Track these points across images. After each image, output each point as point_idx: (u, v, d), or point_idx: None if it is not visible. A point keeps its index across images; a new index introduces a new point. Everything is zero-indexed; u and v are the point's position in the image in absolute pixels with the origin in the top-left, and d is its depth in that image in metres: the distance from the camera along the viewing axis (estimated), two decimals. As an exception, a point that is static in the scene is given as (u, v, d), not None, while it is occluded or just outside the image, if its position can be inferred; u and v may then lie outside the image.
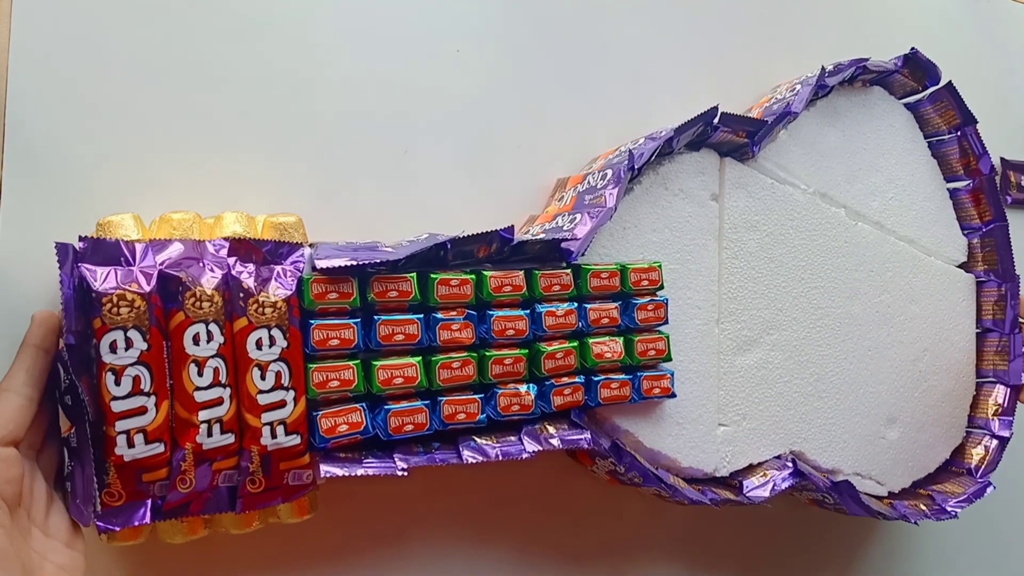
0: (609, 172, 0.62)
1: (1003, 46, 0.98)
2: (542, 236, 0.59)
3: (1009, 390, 0.78)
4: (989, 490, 0.74)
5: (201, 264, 0.47)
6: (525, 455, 0.54)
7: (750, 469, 0.68)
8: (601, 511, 0.72)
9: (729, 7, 0.81)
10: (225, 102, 0.60)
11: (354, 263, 0.49)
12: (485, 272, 0.55)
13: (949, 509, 0.72)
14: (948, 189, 0.82)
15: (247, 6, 0.61)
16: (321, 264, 0.49)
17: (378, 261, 0.50)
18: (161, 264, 0.46)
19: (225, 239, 0.48)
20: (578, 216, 0.60)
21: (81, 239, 0.44)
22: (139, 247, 0.46)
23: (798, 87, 0.72)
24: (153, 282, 0.44)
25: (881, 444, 0.74)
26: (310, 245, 0.52)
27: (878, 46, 0.77)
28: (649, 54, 0.77)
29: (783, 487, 0.65)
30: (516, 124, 0.70)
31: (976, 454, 0.78)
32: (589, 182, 0.63)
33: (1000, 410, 0.79)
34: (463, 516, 0.67)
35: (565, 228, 0.60)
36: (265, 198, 0.61)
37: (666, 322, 0.62)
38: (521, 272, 0.56)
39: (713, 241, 0.67)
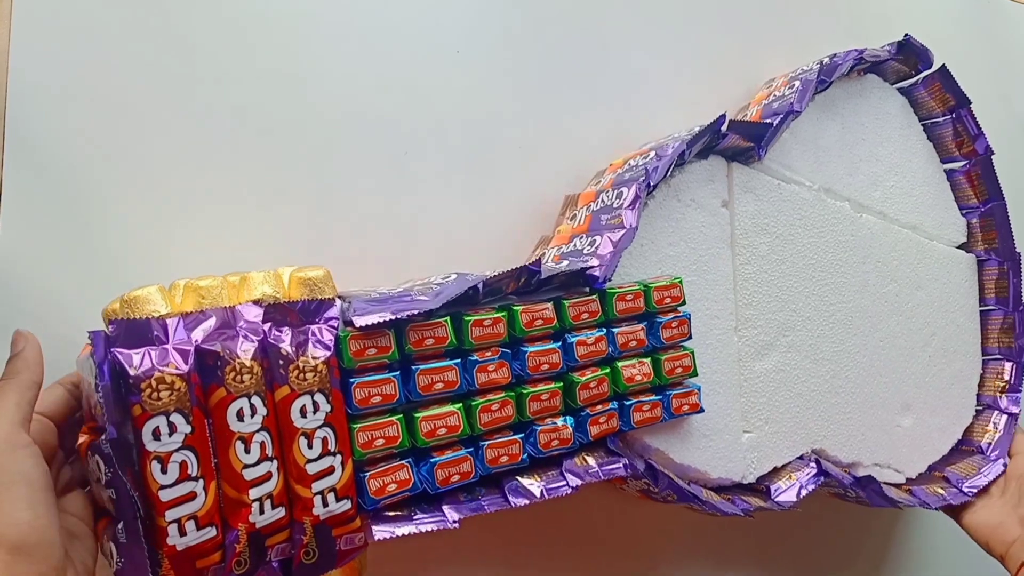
0: (624, 190, 0.61)
1: (1003, 46, 0.99)
2: (566, 265, 0.58)
3: (1015, 366, 0.80)
4: (1000, 467, 0.76)
5: (236, 333, 0.45)
6: (568, 491, 0.54)
7: (775, 472, 0.68)
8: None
9: (729, 5, 0.81)
10: (224, 101, 0.60)
11: (392, 317, 0.48)
12: (515, 308, 0.54)
13: (965, 490, 0.74)
14: (944, 170, 0.83)
15: (246, 5, 0.61)
16: (360, 322, 0.47)
17: (415, 312, 0.49)
18: (196, 339, 0.44)
19: (256, 302, 0.47)
20: (597, 239, 0.60)
21: (111, 323, 0.42)
22: (171, 323, 0.44)
23: (796, 83, 0.72)
24: (191, 360, 0.43)
25: (897, 432, 0.76)
26: (340, 297, 0.51)
27: (877, 46, 0.77)
28: (649, 53, 0.76)
29: (810, 489, 0.66)
30: (516, 125, 0.70)
31: (985, 433, 0.79)
32: (603, 200, 0.63)
33: (1007, 387, 0.80)
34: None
35: (585, 251, 0.60)
36: (265, 199, 0.61)
37: (690, 337, 0.62)
38: (550, 303, 0.56)
39: (726, 248, 0.67)
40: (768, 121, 0.67)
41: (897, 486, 0.75)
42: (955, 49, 0.92)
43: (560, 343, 0.56)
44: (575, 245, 0.61)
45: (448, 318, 0.51)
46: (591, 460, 0.57)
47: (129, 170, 0.57)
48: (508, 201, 0.69)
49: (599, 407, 0.57)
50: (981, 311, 0.83)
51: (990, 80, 0.97)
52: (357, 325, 0.48)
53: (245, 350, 0.45)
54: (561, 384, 0.56)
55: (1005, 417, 0.79)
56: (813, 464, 0.68)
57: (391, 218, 0.65)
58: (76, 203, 0.55)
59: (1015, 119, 0.99)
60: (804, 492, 0.66)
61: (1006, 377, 0.80)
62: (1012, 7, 1.01)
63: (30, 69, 0.54)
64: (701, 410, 0.62)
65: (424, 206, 0.66)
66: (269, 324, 0.46)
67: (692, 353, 0.62)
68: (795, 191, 0.71)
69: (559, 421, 0.55)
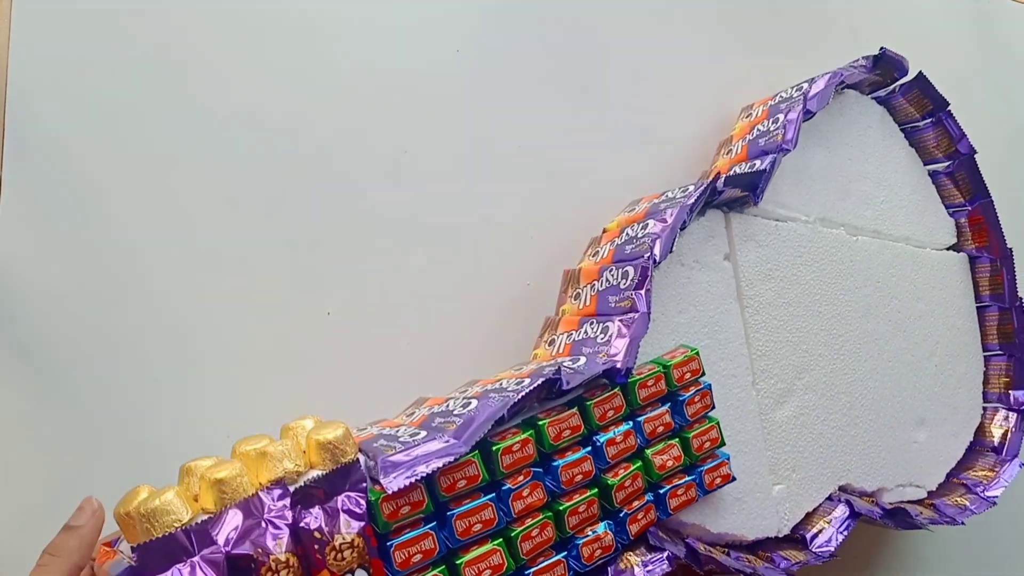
0: (630, 270, 0.58)
1: (1003, 46, 0.98)
2: (584, 363, 0.55)
3: (1017, 361, 0.80)
4: (1017, 468, 0.76)
5: (264, 526, 0.42)
6: (621, 602, 0.53)
7: (807, 518, 0.68)
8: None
9: (731, 7, 0.80)
10: (223, 100, 0.60)
11: (424, 473, 0.45)
12: (541, 423, 0.52)
13: (989, 497, 0.74)
14: (929, 172, 0.82)
15: (246, 5, 0.61)
16: (392, 486, 0.45)
17: (445, 462, 0.46)
18: (225, 545, 0.41)
19: (278, 481, 0.44)
20: (609, 325, 0.57)
21: (134, 551, 0.39)
22: (195, 532, 0.41)
23: (780, 117, 0.70)
24: (223, 571, 0.40)
25: (914, 448, 0.75)
26: (361, 451, 0.48)
27: (877, 47, 0.75)
28: (649, 54, 0.76)
29: (845, 535, 0.65)
30: (516, 124, 0.70)
31: (996, 431, 0.80)
32: (607, 279, 0.60)
33: (1012, 382, 0.80)
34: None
35: (599, 339, 0.58)
36: (265, 199, 0.61)
37: (713, 407, 0.60)
38: (575, 410, 0.54)
39: (734, 303, 0.65)
40: (762, 168, 0.65)
41: (919, 501, 0.75)
42: (955, 49, 0.94)
43: (590, 447, 0.54)
44: (586, 332, 0.59)
45: (477, 453, 0.49)
46: (634, 559, 0.55)
47: (129, 170, 0.57)
48: (509, 201, 0.69)
49: (635, 503, 0.56)
50: (977, 308, 0.83)
51: (990, 80, 0.97)
52: (389, 490, 0.45)
53: (277, 543, 0.42)
54: (596, 490, 0.54)
55: (1016, 415, 0.79)
56: (844, 505, 0.67)
57: (391, 217, 0.65)
58: (76, 203, 0.55)
59: (1014, 119, 0.98)
60: (841, 539, 0.65)
61: (1009, 373, 0.81)
62: (1012, 7, 1.00)
63: (30, 69, 0.55)
64: (733, 479, 0.61)
65: (424, 206, 0.66)
66: (297, 507, 0.44)
67: (718, 424, 0.60)
68: (792, 228, 0.69)
69: (599, 528, 0.54)
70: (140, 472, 0.54)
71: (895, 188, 0.78)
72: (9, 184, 0.54)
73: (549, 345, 0.61)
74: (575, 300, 0.63)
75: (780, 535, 0.66)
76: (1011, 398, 0.80)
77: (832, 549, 0.65)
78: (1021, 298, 0.80)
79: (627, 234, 0.62)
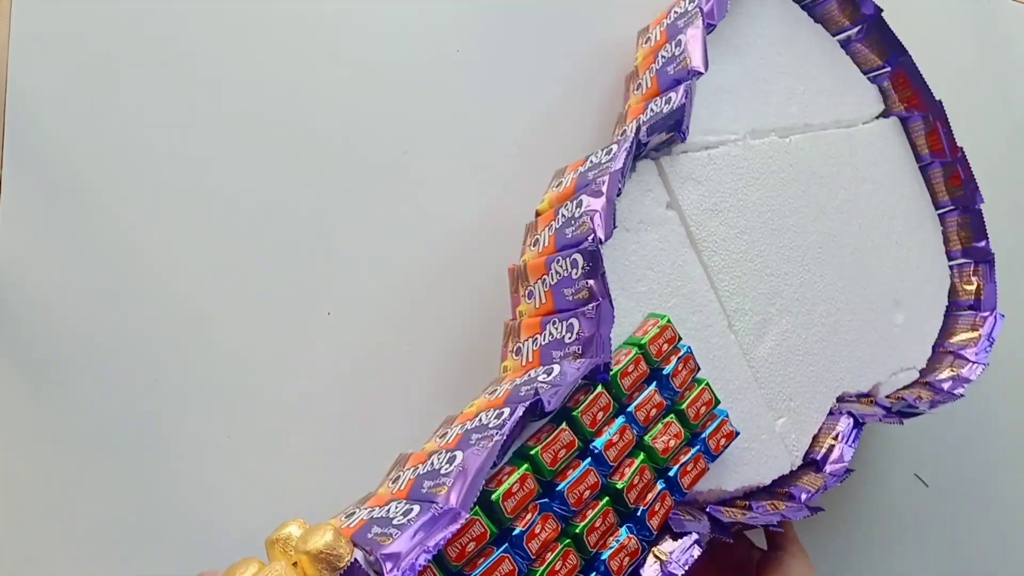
0: (579, 258, 0.54)
1: (1003, 46, 0.97)
2: (558, 374, 0.52)
3: (972, 214, 0.79)
4: (997, 320, 0.76)
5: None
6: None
7: (814, 441, 0.66)
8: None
9: None
10: (222, 101, 0.60)
11: (428, 557, 0.41)
12: (534, 451, 0.49)
13: (976, 359, 0.73)
14: (839, 42, 0.78)
15: (246, 5, 0.62)
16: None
17: (448, 533, 0.43)
18: None
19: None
20: (575, 323, 0.54)
21: None
22: None
23: (681, 37, 0.65)
24: None
25: (896, 332, 0.74)
26: (354, 545, 0.44)
27: None
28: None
29: (855, 447, 0.64)
30: (516, 124, 0.70)
31: (968, 288, 0.79)
32: (556, 271, 0.56)
33: (973, 236, 0.79)
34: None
35: (567, 340, 0.54)
36: (265, 198, 0.61)
37: (699, 369, 0.58)
38: (564, 425, 0.50)
39: (689, 251, 0.62)
40: (680, 103, 0.60)
41: (914, 384, 0.74)
42: (955, 49, 0.93)
43: (589, 458, 0.51)
44: (551, 333, 0.55)
45: (478, 509, 0.46)
46: (664, 553, 0.53)
47: (129, 170, 0.57)
48: (509, 201, 0.68)
49: (649, 496, 0.53)
50: (921, 168, 0.81)
51: (990, 80, 0.95)
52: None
53: None
54: (607, 499, 0.51)
55: (983, 266, 0.78)
56: (846, 417, 0.66)
57: (391, 217, 0.65)
58: (76, 203, 0.56)
59: (1014, 119, 0.96)
60: (852, 452, 0.64)
61: (967, 226, 0.79)
62: (1012, 7, 0.99)
63: (30, 69, 0.55)
64: (737, 434, 0.58)
65: (424, 206, 0.66)
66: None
67: (707, 384, 0.58)
68: (725, 152, 0.65)
69: (620, 536, 0.51)
70: (140, 472, 0.55)
71: (812, 73, 0.74)
72: (9, 184, 0.54)
73: (516, 355, 0.57)
74: (529, 299, 0.58)
75: (794, 468, 0.64)
76: (975, 250, 0.79)
77: (847, 464, 0.63)
78: (961, 148, 0.78)
79: (563, 215, 0.58)
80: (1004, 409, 0.90)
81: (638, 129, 0.58)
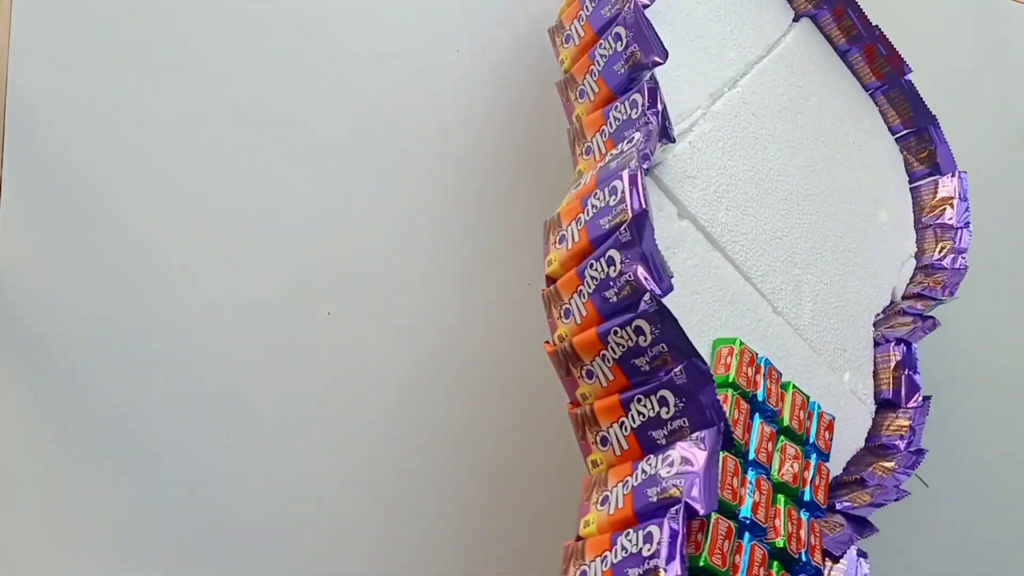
0: (645, 327, 0.48)
1: (1003, 46, 0.94)
2: (703, 456, 0.46)
3: (903, 87, 0.77)
4: (966, 178, 0.76)
5: None
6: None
7: (876, 380, 0.65)
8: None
9: None
10: (223, 100, 0.60)
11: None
12: (702, 561, 0.44)
13: (958, 223, 0.74)
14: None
15: (246, 6, 0.62)
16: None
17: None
18: None
19: None
20: (667, 396, 0.48)
21: None
22: None
23: (620, 30, 0.58)
24: None
25: (887, 232, 0.74)
26: None
27: None
28: None
29: (917, 369, 0.64)
30: (516, 124, 0.69)
31: (922, 157, 0.79)
32: (615, 344, 0.50)
33: (907, 107, 0.78)
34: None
35: (663, 415, 0.49)
36: (264, 198, 0.61)
37: (780, 375, 0.54)
38: (714, 516, 0.46)
39: (714, 253, 0.58)
40: (657, 109, 0.54)
41: (915, 271, 0.74)
42: (955, 49, 0.91)
43: (747, 534, 0.47)
44: (639, 413, 0.50)
45: None
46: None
47: (129, 170, 0.57)
48: (509, 201, 0.68)
49: (802, 534, 0.50)
50: (842, 55, 0.79)
51: (990, 81, 0.93)
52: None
53: None
54: (777, 564, 0.48)
55: (930, 128, 0.77)
56: (894, 345, 0.65)
57: (391, 217, 0.64)
58: (76, 203, 0.56)
59: (1014, 120, 0.93)
60: (918, 377, 0.63)
61: (901, 100, 0.78)
62: (1012, 7, 0.96)
63: (30, 69, 0.55)
64: (833, 419, 0.56)
65: (424, 206, 0.65)
66: None
67: (792, 385, 0.55)
68: (700, 134, 0.61)
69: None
70: (140, 472, 0.56)
71: (728, 10, 0.69)
72: (9, 184, 0.54)
73: (602, 445, 0.52)
74: (590, 380, 0.52)
75: (873, 416, 0.63)
76: (916, 118, 0.78)
77: (920, 393, 0.63)
78: (876, 25, 0.76)
79: (593, 205, 0.51)
80: (1004, 409, 0.91)
81: (643, 158, 0.52)
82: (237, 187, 0.60)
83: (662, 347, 0.48)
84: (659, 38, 0.56)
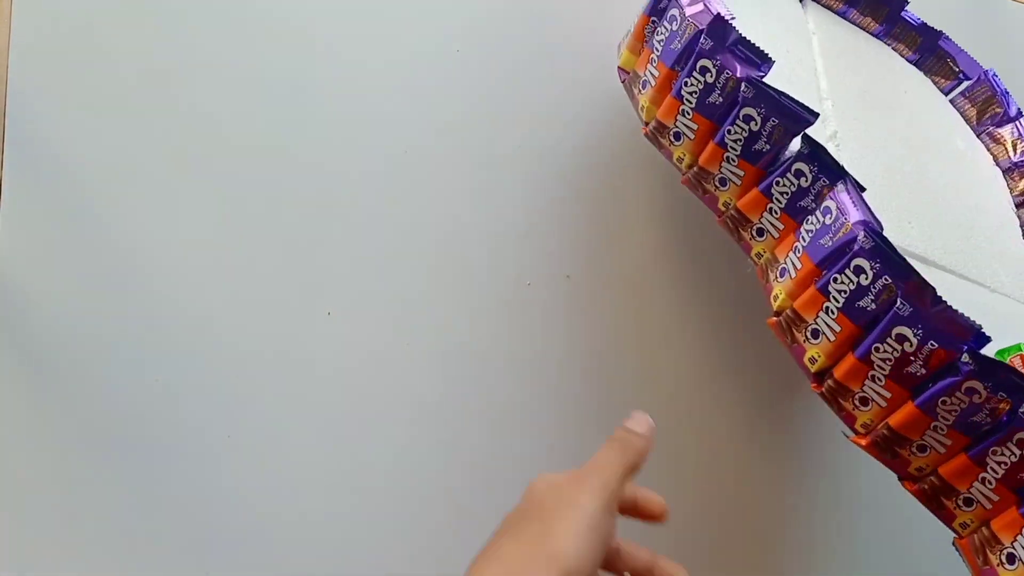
0: (865, 264, 0.45)
1: (1003, 46, 0.95)
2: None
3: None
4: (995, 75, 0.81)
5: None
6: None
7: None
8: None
9: None
10: (223, 100, 0.60)
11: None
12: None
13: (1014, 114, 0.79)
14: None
15: (247, 5, 0.61)
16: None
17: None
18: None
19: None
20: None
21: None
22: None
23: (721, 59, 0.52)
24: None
25: (967, 156, 0.76)
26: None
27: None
28: None
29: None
30: (517, 124, 0.68)
31: (953, 71, 0.83)
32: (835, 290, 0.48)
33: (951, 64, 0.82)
34: None
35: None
36: (264, 197, 0.61)
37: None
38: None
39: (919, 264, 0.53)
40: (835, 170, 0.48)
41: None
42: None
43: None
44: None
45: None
46: None
47: (129, 170, 0.57)
48: (509, 201, 0.68)
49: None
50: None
51: None
52: None
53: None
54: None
55: (944, 43, 0.82)
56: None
57: (391, 217, 0.64)
58: (76, 203, 0.56)
59: None
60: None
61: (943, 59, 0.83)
62: (1012, 7, 0.98)
63: (30, 69, 0.55)
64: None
65: (424, 206, 0.65)
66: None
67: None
68: (849, 155, 0.60)
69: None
70: (140, 472, 0.56)
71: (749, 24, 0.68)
72: (9, 184, 0.54)
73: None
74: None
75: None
76: (923, 47, 0.82)
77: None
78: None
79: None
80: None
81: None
82: (237, 187, 0.60)
83: (885, 281, 0.43)
84: (799, 105, 0.50)
